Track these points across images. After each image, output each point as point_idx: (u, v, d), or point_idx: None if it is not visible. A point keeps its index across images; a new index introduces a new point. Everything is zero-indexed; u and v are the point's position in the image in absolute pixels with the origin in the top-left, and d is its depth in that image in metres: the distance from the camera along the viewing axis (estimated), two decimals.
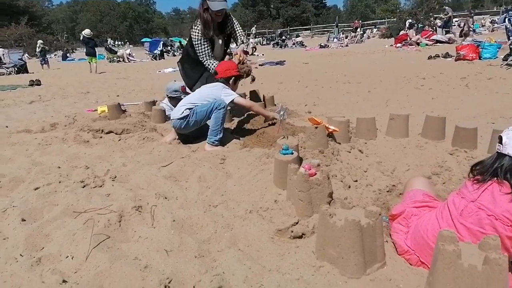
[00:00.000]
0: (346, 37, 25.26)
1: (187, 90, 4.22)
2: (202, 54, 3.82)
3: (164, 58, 20.63)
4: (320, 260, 1.49)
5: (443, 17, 19.00)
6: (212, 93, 3.34)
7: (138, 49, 31.08)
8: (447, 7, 20.22)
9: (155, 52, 21.51)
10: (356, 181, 2.61)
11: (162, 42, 24.03)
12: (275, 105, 4.96)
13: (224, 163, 2.85)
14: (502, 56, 8.56)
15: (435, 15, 21.65)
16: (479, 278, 1.11)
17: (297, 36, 31.93)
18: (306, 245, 1.63)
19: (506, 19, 8.59)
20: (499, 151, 1.57)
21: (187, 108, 3.27)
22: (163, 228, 1.83)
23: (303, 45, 24.13)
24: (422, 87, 6.16)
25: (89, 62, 13.83)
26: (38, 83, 10.07)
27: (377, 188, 2.58)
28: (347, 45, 21.28)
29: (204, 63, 3.86)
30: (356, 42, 23.57)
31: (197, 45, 3.80)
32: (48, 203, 2.18)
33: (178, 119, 3.28)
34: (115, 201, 2.16)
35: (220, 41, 4.01)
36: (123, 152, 3.23)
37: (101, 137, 3.66)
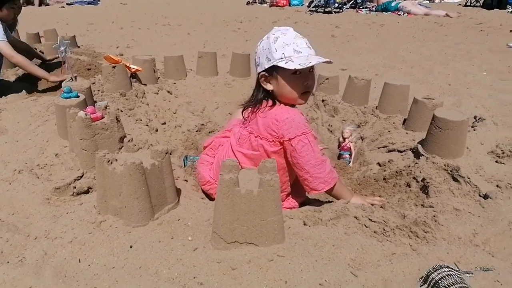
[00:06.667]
0: None
1: None
2: None
3: None
4: (103, 214, 1.28)
5: None
6: None
7: None
8: None
9: None
10: (165, 123, 2.45)
11: None
12: (79, 47, 4.27)
13: None
14: (307, 3, 9.60)
15: None
16: (255, 201, 1.11)
17: None
18: (94, 200, 1.39)
19: None
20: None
21: None
22: None
23: None
24: (239, 30, 6.33)
25: None
26: None
27: (186, 129, 2.49)
28: None
29: None
30: None
31: None
32: None
33: None
34: None
35: None
36: None
37: None
